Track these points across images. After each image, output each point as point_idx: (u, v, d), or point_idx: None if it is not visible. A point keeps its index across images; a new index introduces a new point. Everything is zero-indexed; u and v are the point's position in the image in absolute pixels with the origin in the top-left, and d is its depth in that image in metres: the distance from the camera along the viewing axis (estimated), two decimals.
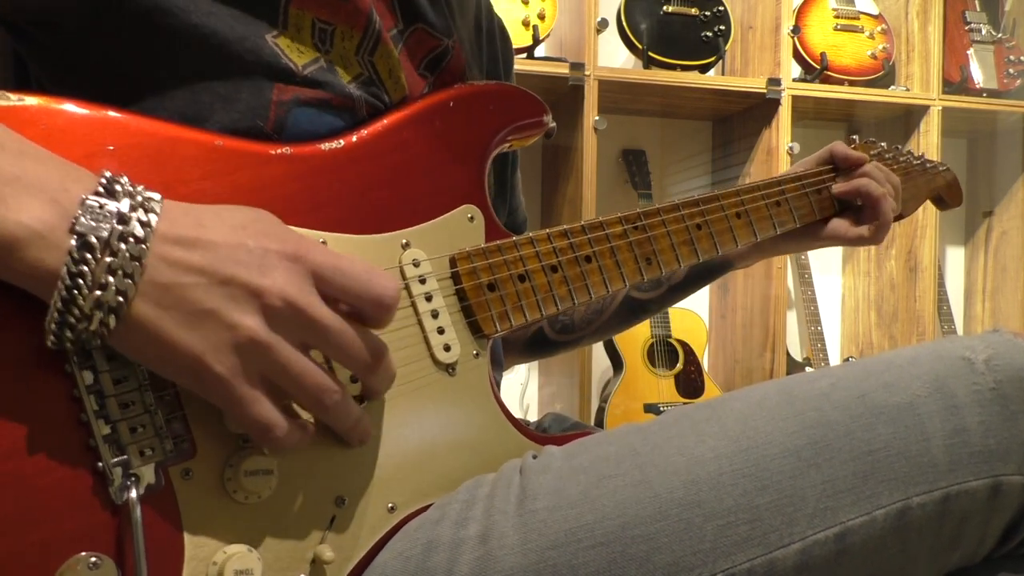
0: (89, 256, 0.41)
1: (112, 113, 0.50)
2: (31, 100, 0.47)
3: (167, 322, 0.43)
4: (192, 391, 0.46)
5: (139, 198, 0.44)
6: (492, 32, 0.85)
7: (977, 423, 0.51)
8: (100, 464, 0.45)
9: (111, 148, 0.49)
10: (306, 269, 0.47)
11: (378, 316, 0.49)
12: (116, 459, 0.45)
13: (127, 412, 0.45)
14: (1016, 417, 0.52)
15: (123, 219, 0.42)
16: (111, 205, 0.43)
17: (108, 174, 0.44)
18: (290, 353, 0.46)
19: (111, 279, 0.42)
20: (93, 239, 0.41)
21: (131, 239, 0.42)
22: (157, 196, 0.45)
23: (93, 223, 0.42)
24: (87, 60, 0.55)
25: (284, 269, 0.46)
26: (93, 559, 0.44)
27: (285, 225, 0.49)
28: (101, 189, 0.43)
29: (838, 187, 0.89)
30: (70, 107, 0.49)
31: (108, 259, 0.42)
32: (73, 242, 0.41)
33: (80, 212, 0.42)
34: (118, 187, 0.44)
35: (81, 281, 0.41)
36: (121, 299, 0.42)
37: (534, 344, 0.97)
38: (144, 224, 0.43)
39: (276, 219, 0.49)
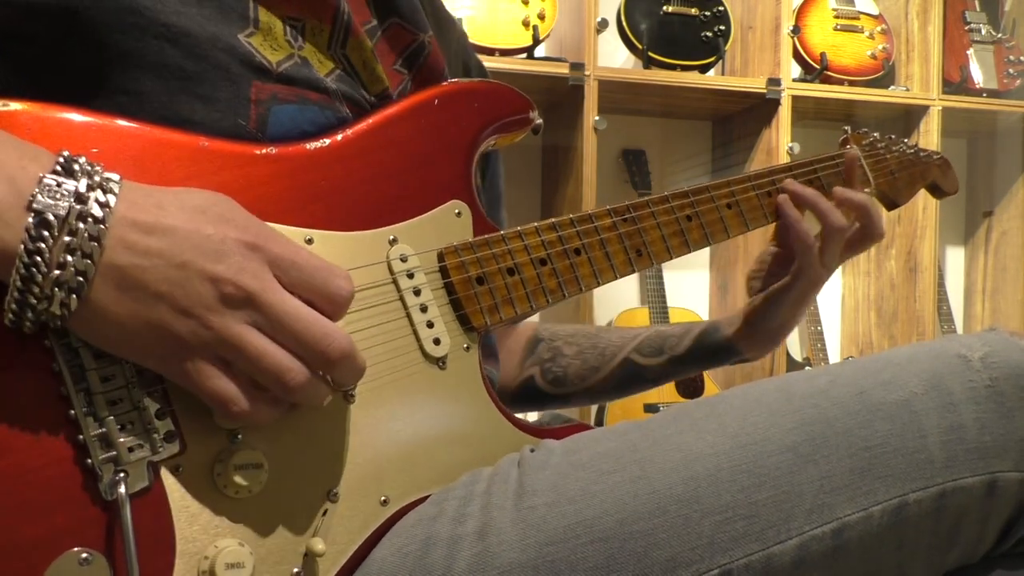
0: (47, 234, 0.41)
1: (95, 117, 0.50)
2: (15, 106, 0.48)
3: (125, 304, 0.43)
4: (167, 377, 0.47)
5: (97, 178, 0.43)
6: (469, 69, 0.86)
7: (973, 420, 0.51)
8: (89, 461, 0.45)
9: (95, 151, 0.49)
10: (263, 257, 0.46)
11: (332, 313, 0.48)
12: (105, 456, 0.45)
13: (115, 409, 0.46)
14: (1012, 414, 0.52)
15: (81, 198, 0.42)
16: (69, 184, 0.42)
17: (66, 153, 0.44)
18: (243, 336, 0.45)
19: (70, 258, 0.42)
20: (51, 216, 0.41)
21: (90, 219, 0.42)
22: (116, 177, 0.44)
23: (51, 201, 0.42)
24: (64, 68, 0.54)
25: (240, 255, 0.45)
26: (84, 555, 0.44)
27: (245, 211, 0.49)
28: (59, 168, 0.43)
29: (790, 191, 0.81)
30: (54, 112, 0.49)
31: (67, 238, 0.42)
32: (30, 219, 0.41)
33: (37, 190, 0.42)
34: (76, 166, 0.43)
35: (39, 259, 0.41)
36: (81, 279, 0.42)
37: (524, 394, 0.92)
38: (103, 205, 0.43)
39: (236, 204, 0.49)
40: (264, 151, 0.55)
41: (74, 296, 0.42)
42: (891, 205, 0.95)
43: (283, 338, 0.46)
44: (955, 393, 0.52)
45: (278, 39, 0.59)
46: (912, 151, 0.98)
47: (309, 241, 0.55)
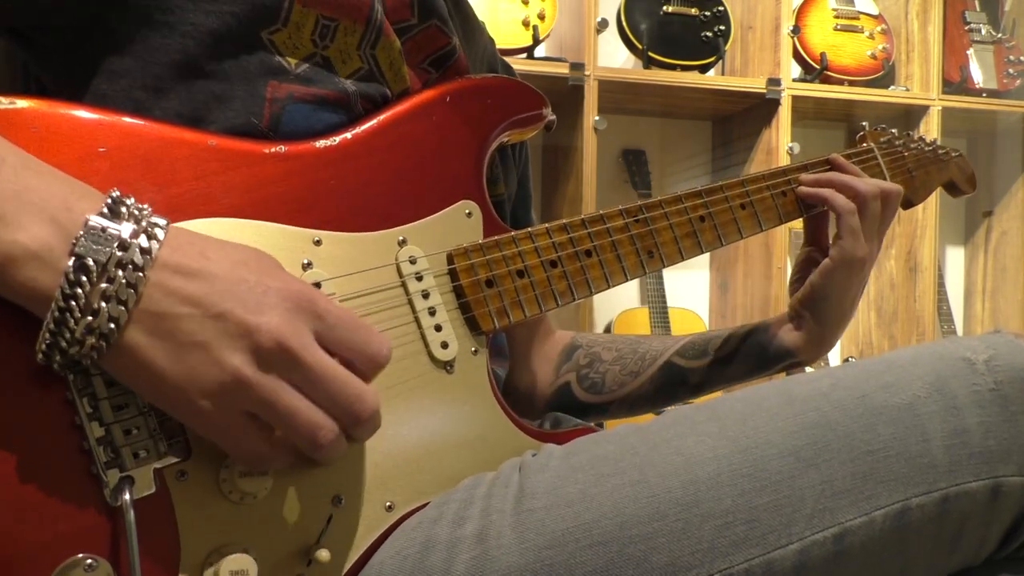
0: (84, 279, 0.41)
1: (104, 115, 0.50)
2: (23, 103, 0.47)
3: (157, 352, 0.43)
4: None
5: (144, 223, 0.43)
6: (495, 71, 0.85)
7: (977, 424, 0.51)
8: (94, 467, 0.44)
9: (102, 150, 0.49)
10: (306, 312, 0.45)
11: (369, 374, 0.48)
12: (110, 462, 0.45)
13: (121, 414, 0.45)
14: (1016, 418, 0.51)
15: (123, 245, 0.42)
16: (113, 228, 0.42)
17: (115, 194, 0.44)
18: (278, 393, 0.44)
19: (104, 305, 0.41)
20: (91, 262, 0.41)
21: (129, 266, 0.42)
22: (163, 222, 0.44)
23: (93, 246, 0.41)
24: (87, 62, 0.55)
25: (282, 309, 0.44)
26: (89, 561, 0.44)
27: (285, 270, 0.48)
28: (106, 210, 0.43)
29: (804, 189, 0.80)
30: (62, 110, 0.49)
31: (103, 285, 0.41)
32: (70, 264, 0.41)
33: (82, 233, 0.41)
34: (123, 208, 0.43)
35: (74, 304, 0.41)
36: (113, 326, 0.42)
37: (559, 402, 0.89)
38: (144, 251, 0.42)
39: (278, 262, 0.48)
40: (273, 150, 0.55)
41: (104, 342, 0.42)
42: (907, 204, 0.93)
43: (317, 396, 0.45)
44: (959, 397, 0.52)
45: (303, 38, 0.59)
46: (930, 148, 0.96)
47: (318, 242, 0.55)
